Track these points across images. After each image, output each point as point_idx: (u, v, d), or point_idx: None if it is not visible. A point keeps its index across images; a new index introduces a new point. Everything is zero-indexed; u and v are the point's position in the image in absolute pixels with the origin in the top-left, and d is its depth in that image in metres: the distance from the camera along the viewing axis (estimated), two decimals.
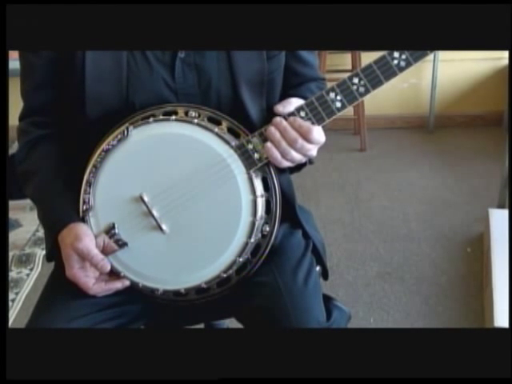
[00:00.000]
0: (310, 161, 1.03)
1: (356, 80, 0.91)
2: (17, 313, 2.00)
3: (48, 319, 0.95)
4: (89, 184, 0.94)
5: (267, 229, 0.96)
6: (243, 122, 0.97)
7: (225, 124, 0.95)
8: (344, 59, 3.28)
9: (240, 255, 0.94)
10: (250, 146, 0.93)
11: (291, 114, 0.93)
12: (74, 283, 0.97)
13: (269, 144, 0.93)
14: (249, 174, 0.93)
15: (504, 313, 1.54)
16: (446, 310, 1.92)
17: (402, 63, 0.91)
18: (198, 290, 0.97)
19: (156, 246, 0.95)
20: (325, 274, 1.16)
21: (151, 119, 0.94)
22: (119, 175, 0.94)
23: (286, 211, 1.04)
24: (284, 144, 0.92)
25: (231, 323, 1.20)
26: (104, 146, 0.94)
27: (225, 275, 0.95)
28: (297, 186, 1.13)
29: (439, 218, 2.47)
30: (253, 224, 0.93)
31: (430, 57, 3.31)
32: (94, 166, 0.94)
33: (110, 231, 0.94)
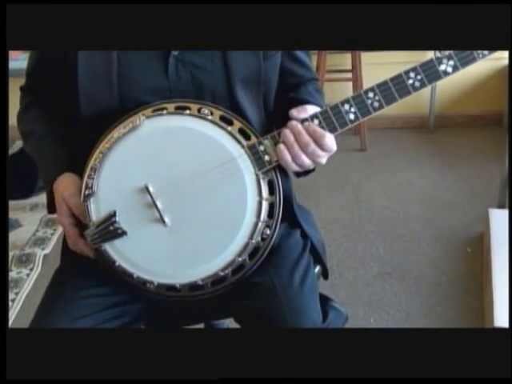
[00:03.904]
0: None
1: (371, 94, 0.94)
2: (17, 313, 2.00)
3: (51, 319, 0.96)
4: (94, 170, 0.94)
5: (268, 232, 0.96)
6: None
7: (236, 124, 0.95)
8: (344, 59, 3.28)
9: (240, 255, 0.94)
10: (262, 148, 0.94)
11: (305, 120, 0.94)
12: (74, 283, 0.99)
13: (281, 146, 0.93)
14: (257, 175, 0.94)
15: (504, 313, 1.54)
16: (446, 310, 1.92)
17: (417, 83, 0.94)
18: (193, 286, 0.96)
19: (156, 238, 0.94)
20: (325, 274, 1.16)
21: (164, 111, 0.94)
22: (126, 164, 0.94)
23: (284, 210, 1.04)
24: (296, 147, 0.93)
25: (231, 323, 1.20)
26: (114, 133, 0.94)
27: (222, 274, 0.95)
28: (297, 185, 1.13)
29: (439, 218, 2.47)
30: (256, 225, 0.93)
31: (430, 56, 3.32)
32: (101, 152, 0.94)
33: (110, 218, 0.94)
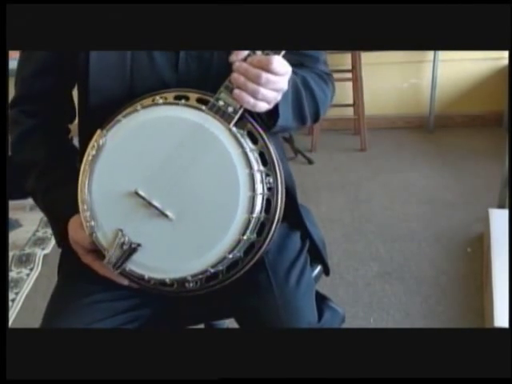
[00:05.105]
0: (310, 161, 1.03)
1: None
2: (17, 313, 2.00)
3: (62, 324, 0.95)
4: (84, 201, 0.94)
5: (271, 180, 0.93)
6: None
7: (193, 97, 0.94)
8: (344, 59, 3.28)
9: (252, 212, 0.90)
10: (221, 103, 0.91)
11: (248, 56, 0.90)
12: (86, 288, 1.00)
13: (236, 90, 0.90)
14: (230, 129, 0.91)
15: (504, 313, 1.54)
16: (446, 309, 1.92)
17: None
18: (207, 277, 0.94)
19: (168, 237, 0.93)
20: (326, 270, 1.16)
21: (119, 116, 0.94)
22: (110, 181, 0.93)
23: (288, 209, 1.04)
24: (250, 84, 0.89)
25: (231, 323, 1.20)
26: (86, 158, 0.94)
27: (244, 237, 0.91)
28: (297, 185, 1.13)
29: (439, 218, 2.47)
30: (251, 176, 0.91)
31: (430, 57, 3.33)
32: (83, 182, 0.94)
33: (119, 238, 0.92)
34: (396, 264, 2.18)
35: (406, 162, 3.07)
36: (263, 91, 0.89)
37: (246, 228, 0.91)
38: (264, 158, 0.93)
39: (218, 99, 0.92)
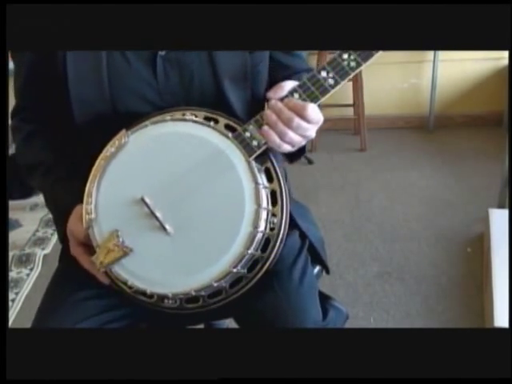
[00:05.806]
0: (310, 161, 1.03)
1: (346, 56, 0.92)
2: (17, 313, 2.00)
3: (54, 322, 0.96)
4: (90, 194, 0.94)
5: (275, 221, 0.93)
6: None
7: (222, 121, 0.94)
8: None
9: (248, 247, 0.91)
10: (248, 134, 0.92)
11: (285, 97, 0.92)
12: (75, 284, 0.99)
13: (265, 127, 0.91)
14: (249, 162, 0.92)
15: (504, 313, 1.54)
16: (446, 309, 1.92)
17: None
18: (210, 288, 0.94)
19: (163, 249, 0.93)
20: (326, 269, 1.16)
21: (147, 122, 0.94)
22: (120, 182, 0.94)
23: None
24: (281, 125, 0.90)
25: (231, 323, 1.20)
26: (104, 153, 0.94)
27: (234, 270, 0.91)
28: (297, 185, 1.13)
29: (439, 218, 2.47)
30: (257, 212, 0.91)
31: (430, 57, 3.33)
32: (95, 176, 0.94)
33: (113, 238, 0.92)
34: (396, 264, 2.18)
35: (406, 162, 3.07)
36: (291, 135, 0.91)
37: (239, 262, 0.91)
38: (274, 198, 0.94)
39: (245, 130, 0.93)
